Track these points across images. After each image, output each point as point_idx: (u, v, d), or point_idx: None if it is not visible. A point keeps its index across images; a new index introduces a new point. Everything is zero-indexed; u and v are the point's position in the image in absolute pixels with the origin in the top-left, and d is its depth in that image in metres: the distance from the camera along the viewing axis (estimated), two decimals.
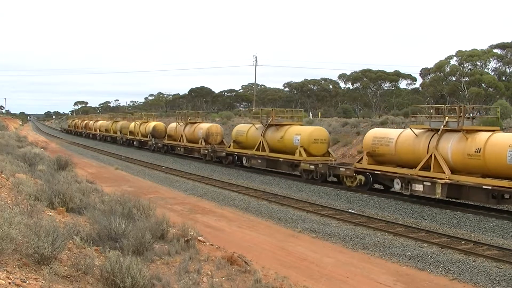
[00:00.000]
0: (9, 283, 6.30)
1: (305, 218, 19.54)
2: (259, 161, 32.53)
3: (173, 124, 48.91)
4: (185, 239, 11.34)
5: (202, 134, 41.12)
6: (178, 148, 45.58)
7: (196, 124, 43.87)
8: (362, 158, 24.82)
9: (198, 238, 12.44)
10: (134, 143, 57.27)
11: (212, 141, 40.48)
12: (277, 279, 10.50)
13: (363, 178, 24.13)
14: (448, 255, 14.57)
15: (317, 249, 15.40)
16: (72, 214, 12.29)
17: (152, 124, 54.07)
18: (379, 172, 23.61)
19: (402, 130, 24.31)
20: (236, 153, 35.48)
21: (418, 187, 21.15)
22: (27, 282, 6.62)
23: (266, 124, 32.68)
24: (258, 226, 18.52)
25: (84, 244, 9.25)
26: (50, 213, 11.51)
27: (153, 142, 50.74)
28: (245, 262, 10.67)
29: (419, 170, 21.28)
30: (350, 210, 21.14)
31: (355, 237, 16.66)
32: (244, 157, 34.30)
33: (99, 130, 76.01)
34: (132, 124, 60.08)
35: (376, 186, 24.87)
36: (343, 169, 25.65)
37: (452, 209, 20.13)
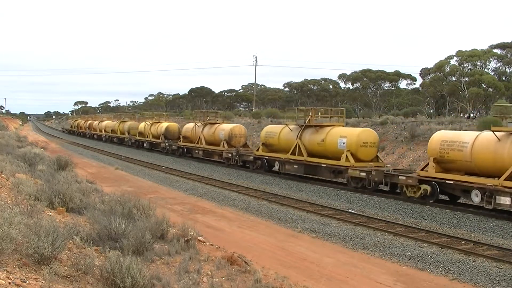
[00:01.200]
0: (9, 283, 6.30)
1: (305, 218, 19.55)
2: (295, 166, 29.01)
3: (190, 125, 45.39)
4: (185, 239, 11.34)
5: (224, 136, 37.72)
6: (196, 151, 41.93)
7: (217, 125, 40.36)
8: (427, 165, 21.96)
9: (198, 238, 12.44)
10: (145, 144, 53.82)
11: (236, 143, 37.25)
12: (277, 279, 10.50)
13: (428, 188, 21.06)
14: (448, 255, 14.57)
15: (317, 249, 15.40)
16: (72, 214, 12.29)
17: (164, 124, 50.83)
18: (450, 182, 20.48)
19: (478, 132, 21.06)
20: (266, 157, 32.12)
21: (505, 200, 18.19)
22: (27, 282, 6.62)
23: (303, 125, 29.26)
24: (258, 226, 18.53)
25: (84, 244, 9.25)
26: (50, 213, 11.51)
27: (166, 144, 47.23)
28: (245, 262, 10.67)
29: (505, 180, 18.35)
30: (350, 210, 21.14)
31: (355, 237, 16.67)
32: (276, 162, 30.86)
33: (105, 131, 72.40)
34: (142, 125, 56.60)
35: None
36: (404, 178, 22.26)
37: (452, 209, 20.13)
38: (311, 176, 28.57)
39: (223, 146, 37.43)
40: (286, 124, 31.58)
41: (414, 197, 21.70)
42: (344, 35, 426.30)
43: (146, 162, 41.03)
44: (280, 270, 12.26)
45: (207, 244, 12.45)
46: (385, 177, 23.23)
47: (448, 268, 13.44)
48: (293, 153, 29.44)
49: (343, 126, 29.06)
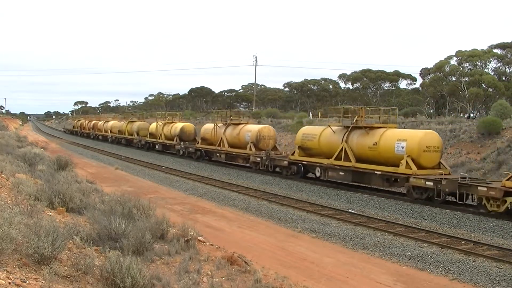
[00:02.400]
0: (9, 283, 6.30)
1: (305, 218, 19.54)
2: (341, 173, 25.63)
3: (209, 125, 41.63)
4: (185, 239, 11.35)
5: (251, 138, 34.12)
6: (217, 154, 38.11)
7: (242, 126, 36.62)
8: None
9: (198, 238, 12.44)
10: (156, 146, 50.31)
11: (264, 146, 33.65)
12: (277, 279, 10.50)
13: None
14: (448, 255, 14.57)
15: (317, 249, 15.40)
16: (72, 214, 12.29)
17: (179, 125, 47.19)
18: None
19: None
20: (303, 163, 28.62)
21: None
22: (27, 282, 6.62)
23: (350, 126, 25.95)
24: (258, 226, 18.52)
25: (84, 244, 9.25)
26: (50, 213, 11.51)
27: (182, 146, 43.79)
28: (245, 262, 10.67)
29: None
30: (350, 210, 21.13)
31: (355, 237, 16.66)
32: (317, 168, 27.52)
33: (111, 132, 68.45)
34: (153, 125, 52.72)
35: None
36: (484, 189, 19.06)
37: (452, 209, 20.12)
38: (359, 184, 25.42)
39: (250, 149, 33.74)
40: (329, 125, 28.14)
41: (497, 211, 18.59)
42: (344, 35, 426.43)
43: (146, 162, 41.01)
44: (280, 270, 12.26)
45: (207, 244, 12.45)
46: (460, 188, 20.01)
47: (448, 268, 13.44)
48: (337, 158, 26.05)
49: (396, 127, 25.99)
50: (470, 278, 12.76)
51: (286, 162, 29.68)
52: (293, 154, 29.79)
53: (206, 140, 40.70)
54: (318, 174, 27.61)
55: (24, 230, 8.21)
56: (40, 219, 9.36)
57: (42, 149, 34.20)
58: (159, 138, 49.78)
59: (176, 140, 45.85)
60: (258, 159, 32.00)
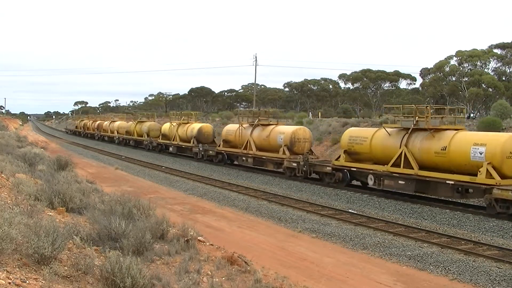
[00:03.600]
0: (9, 283, 6.30)
1: (305, 218, 19.55)
2: (401, 182, 22.31)
3: (232, 126, 38.38)
4: (185, 239, 11.34)
5: (284, 141, 30.71)
6: (243, 158, 34.38)
7: (272, 127, 33.11)
8: None
9: (198, 238, 12.44)
10: (170, 149, 46.64)
11: (299, 149, 30.39)
12: (277, 279, 10.50)
13: None
14: (448, 255, 14.58)
15: (317, 249, 15.40)
16: (72, 214, 12.29)
17: (196, 125, 43.90)
18: None
19: None
20: (352, 169, 25.30)
21: None
22: (27, 282, 6.62)
23: (410, 128, 22.57)
24: (258, 226, 18.53)
25: (84, 244, 9.24)
26: (50, 213, 11.51)
27: (201, 148, 40.25)
28: (245, 262, 10.67)
29: None
30: (350, 210, 21.13)
31: (355, 237, 16.67)
32: (370, 176, 23.98)
33: (118, 132, 64.89)
34: (166, 126, 49.36)
35: None
36: None
37: (452, 209, 20.13)
38: (422, 194, 22.28)
39: (283, 153, 30.40)
40: (383, 127, 24.87)
41: None
42: (344, 35, 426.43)
43: (146, 162, 41.01)
44: (280, 270, 12.26)
45: (207, 244, 12.44)
46: None
47: (448, 268, 13.44)
48: (395, 165, 22.67)
49: (464, 129, 22.89)
50: (470, 278, 12.77)
51: (329, 168, 26.30)
52: (337, 159, 26.39)
53: (229, 142, 37.13)
54: (370, 183, 23.97)
55: (24, 230, 8.21)
56: (40, 219, 9.36)
57: (42, 149, 34.19)
58: (173, 140, 46.29)
59: (193, 142, 42.37)
60: (294, 164, 28.48)
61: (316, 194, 25.00)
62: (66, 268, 7.80)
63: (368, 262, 14.19)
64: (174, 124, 47.52)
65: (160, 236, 11.25)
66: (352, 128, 29.23)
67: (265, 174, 31.60)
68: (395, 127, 24.04)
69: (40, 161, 23.15)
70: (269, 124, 33.82)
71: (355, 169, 25.17)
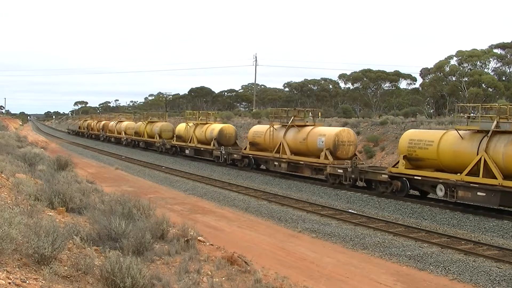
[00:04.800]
0: (9, 283, 6.30)
1: (305, 218, 19.54)
2: (481, 194, 19.17)
3: (260, 127, 34.83)
4: (185, 239, 11.34)
5: (326, 144, 27.19)
6: (275, 163, 30.86)
7: (309, 128, 29.41)
8: None
9: (198, 238, 12.44)
10: (187, 151, 42.84)
11: (343, 153, 27.04)
12: (277, 279, 10.50)
13: None
14: (448, 255, 14.58)
15: (317, 249, 15.40)
16: (72, 214, 12.30)
17: (216, 126, 40.45)
18: None
19: None
20: (416, 177, 21.88)
21: None
22: (27, 282, 6.62)
23: (490, 130, 19.45)
24: (258, 226, 18.52)
25: (84, 244, 9.25)
26: (50, 213, 11.51)
27: (223, 152, 36.40)
28: (245, 262, 10.67)
29: None
30: (350, 210, 21.13)
31: (355, 237, 16.67)
32: (440, 186, 20.67)
33: (125, 133, 61.38)
34: (181, 126, 46.04)
35: None
36: None
37: (452, 209, 20.13)
38: (507, 209, 19.44)
39: (325, 157, 26.99)
40: (455, 128, 21.67)
41: None
42: (344, 35, 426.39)
43: (146, 162, 41.00)
44: (280, 270, 12.26)
45: (207, 244, 12.44)
46: None
47: (448, 268, 13.44)
48: (471, 173, 19.62)
49: None
50: (470, 278, 12.77)
51: (384, 176, 23.00)
52: (394, 165, 23.22)
53: (257, 145, 33.44)
54: (440, 194, 20.80)
55: (24, 230, 8.21)
56: (40, 219, 9.36)
57: (42, 149, 34.19)
58: (190, 142, 42.50)
59: (213, 145, 38.73)
60: (340, 171, 25.18)
61: (316, 194, 24.99)
62: (66, 268, 7.80)
63: (368, 262, 14.18)
64: (191, 124, 43.78)
65: (160, 236, 11.25)
66: (412, 130, 24.83)
67: (302, 180, 28.52)
68: (469, 129, 20.76)
69: (40, 161, 23.15)
70: (305, 125, 30.16)
71: (419, 177, 21.72)
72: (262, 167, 33.83)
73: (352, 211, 20.94)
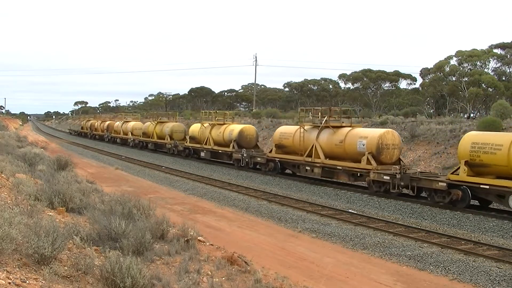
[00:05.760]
0: (9, 283, 6.30)
1: (305, 218, 19.54)
2: None
3: (288, 128, 31.95)
4: (185, 239, 11.35)
5: (368, 147, 24.53)
6: (307, 168, 27.96)
7: (346, 130, 26.55)
8: None
9: (198, 238, 12.45)
10: (202, 154, 40.21)
11: (387, 158, 24.45)
12: (277, 279, 10.50)
13: None
14: (448, 255, 14.57)
15: (317, 249, 15.40)
16: (72, 214, 12.30)
17: (236, 127, 37.56)
18: None
19: None
20: (480, 186, 19.45)
21: None
22: (27, 282, 6.62)
23: None
24: (258, 226, 18.52)
25: (84, 244, 9.25)
26: (50, 213, 11.51)
27: (244, 155, 33.51)
28: (245, 262, 10.67)
29: None
30: (350, 210, 21.13)
31: (355, 237, 16.67)
32: None
33: (132, 134, 58.91)
34: (195, 127, 43.33)
35: None
36: None
37: (452, 209, 20.12)
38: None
39: (368, 162, 24.22)
40: None
41: None
42: (344, 35, 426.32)
43: (146, 162, 40.99)
44: (280, 270, 12.25)
45: (207, 244, 12.45)
46: None
47: (448, 268, 13.44)
48: None
49: None
50: (470, 278, 12.76)
51: (442, 185, 20.32)
52: (453, 172, 20.77)
53: (284, 147, 30.74)
54: None
55: (24, 230, 8.21)
56: (40, 219, 9.36)
57: (42, 149, 34.21)
58: (206, 144, 39.84)
59: (233, 147, 36.11)
60: (386, 177, 22.64)
61: (316, 194, 24.99)
62: (66, 268, 7.80)
63: (368, 262, 14.18)
64: (206, 125, 40.98)
65: (160, 236, 11.26)
66: (475, 132, 22.54)
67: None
68: None
69: (40, 161, 23.17)
70: (341, 126, 27.43)
71: (486, 186, 19.16)
72: (287, 171, 31.28)
73: (352, 211, 20.94)
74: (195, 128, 43.40)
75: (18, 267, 7.21)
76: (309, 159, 27.78)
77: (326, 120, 27.95)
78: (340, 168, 26.03)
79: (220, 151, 37.96)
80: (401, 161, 24.86)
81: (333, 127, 27.44)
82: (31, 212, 10.38)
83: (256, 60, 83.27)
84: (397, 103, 73.81)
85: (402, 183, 21.94)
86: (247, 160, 33.27)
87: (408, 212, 20.44)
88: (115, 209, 12.03)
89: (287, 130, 31.36)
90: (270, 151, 31.96)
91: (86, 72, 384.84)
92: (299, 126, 29.60)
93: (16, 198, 12.15)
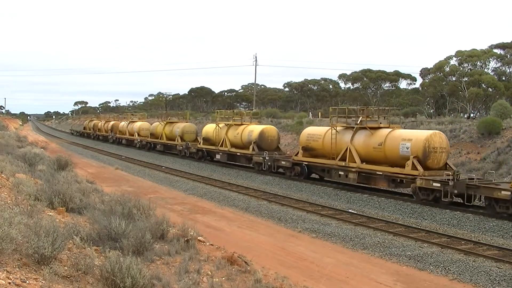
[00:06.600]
0: (9, 283, 6.30)
1: (305, 218, 19.54)
2: None
3: (316, 130, 29.41)
4: (185, 239, 11.35)
5: (414, 151, 22.21)
6: (341, 173, 25.57)
7: (386, 131, 24.17)
8: None
9: (198, 238, 12.44)
10: (218, 156, 37.58)
11: (433, 163, 22.12)
12: (277, 279, 10.50)
13: None
14: (448, 255, 14.58)
15: (317, 249, 15.40)
16: (72, 214, 12.30)
17: (256, 128, 34.92)
18: None
19: None
20: None
21: None
22: (27, 282, 6.62)
23: None
24: (258, 226, 18.52)
25: (84, 244, 9.25)
26: (50, 213, 11.51)
27: (266, 158, 31.02)
28: (245, 262, 10.67)
29: None
30: (350, 210, 21.13)
31: (355, 237, 16.67)
32: None
33: (139, 135, 56.65)
34: (209, 127, 40.50)
35: None
36: None
37: (452, 209, 20.11)
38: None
39: (413, 167, 22.03)
40: None
41: None
42: (344, 35, 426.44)
43: (146, 162, 40.99)
44: (280, 270, 12.25)
45: (207, 244, 12.45)
46: None
47: (448, 268, 13.44)
48: None
49: None
50: (470, 278, 12.77)
51: (506, 193, 18.00)
52: None
53: (312, 150, 28.36)
54: None
55: (24, 230, 8.22)
56: (40, 219, 9.36)
57: (42, 149, 34.21)
58: (221, 146, 37.20)
59: (253, 149, 33.46)
60: (436, 184, 20.42)
61: (316, 194, 24.98)
62: (66, 268, 7.80)
63: (368, 262, 14.18)
64: (222, 125, 38.42)
65: (160, 236, 11.25)
66: None
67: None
68: None
69: (40, 161, 23.16)
70: (379, 127, 24.93)
71: None
72: (314, 176, 29.08)
73: (352, 211, 20.94)
74: (209, 128, 40.55)
75: (18, 267, 7.21)
76: (343, 163, 25.44)
77: (361, 120, 25.55)
78: (380, 173, 23.57)
79: (238, 154, 35.35)
80: (448, 166, 22.62)
81: (371, 128, 24.91)
82: (31, 212, 10.38)
83: (256, 60, 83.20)
84: (397, 103, 73.82)
85: (455, 191, 19.80)
86: (269, 163, 30.80)
87: (408, 212, 20.44)
88: (115, 209, 12.03)
89: (315, 131, 28.91)
90: (296, 154, 29.58)
91: (86, 72, 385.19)
92: (329, 127, 27.36)
93: (16, 198, 12.14)
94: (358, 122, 25.55)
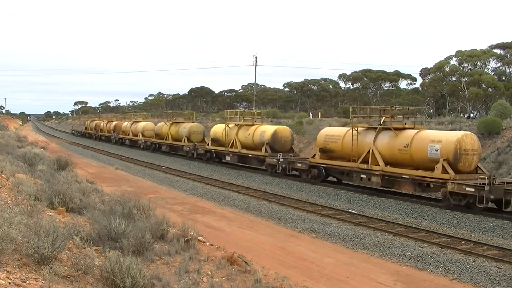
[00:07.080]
0: (9, 283, 6.30)
1: (305, 218, 19.55)
2: None
3: (335, 130, 28.09)
4: (185, 239, 11.35)
5: (444, 153, 21.01)
6: (363, 176, 24.40)
7: (412, 132, 22.93)
8: None
9: (198, 238, 12.44)
10: (227, 157, 36.36)
11: (465, 166, 20.97)
12: (277, 279, 10.50)
13: None
14: (448, 255, 14.58)
15: (317, 249, 15.40)
16: (72, 214, 12.30)
17: (268, 129, 33.63)
18: None
19: None
20: None
21: None
22: (27, 282, 6.62)
23: None
24: (258, 226, 18.53)
25: (84, 244, 9.25)
26: (50, 213, 11.52)
27: (281, 160, 29.80)
28: (245, 262, 10.67)
29: None
30: (350, 210, 21.13)
31: (355, 237, 16.67)
32: None
33: (143, 135, 55.45)
34: (218, 128, 39.10)
35: None
36: None
37: (452, 209, 20.12)
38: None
39: (444, 171, 20.77)
40: None
41: None
42: (344, 35, 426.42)
43: (146, 162, 40.99)
44: (280, 270, 12.25)
45: (207, 244, 12.45)
46: None
47: (448, 268, 13.44)
48: None
49: None
50: (470, 278, 12.77)
51: None
52: None
53: (331, 152, 26.94)
54: None
55: (24, 230, 8.22)
56: (40, 219, 9.36)
57: (42, 149, 34.21)
58: (231, 147, 35.89)
59: (265, 151, 32.10)
60: (470, 189, 19.10)
61: (316, 194, 24.99)
62: (66, 268, 7.80)
63: (368, 262, 14.19)
64: (232, 125, 37.00)
65: (160, 236, 11.26)
66: None
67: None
68: None
69: (40, 161, 23.16)
70: (404, 128, 23.64)
71: None
72: (330, 178, 27.82)
73: (352, 211, 20.94)
74: (218, 129, 38.98)
75: (18, 267, 7.21)
76: (365, 166, 24.09)
77: (385, 120, 24.29)
78: (407, 177, 22.17)
79: (249, 155, 33.94)
80: (479, 169, 21.41)
81: (396, 129, 23.63)
82: (31, 212, 10.38)
83: (256, 60, 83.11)
84: (397, 103, 73.86)
85: (491, 196, 18.52)
86: (283, 165, 29.60)
87: (408, 212, 20.44)
88: (115, 209, 12.03)
89: (334, 132, 27.42)
90: (313, 156, 28.05)
91: (86, 72, 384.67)
92: (348, 128, 26.14)
93: (16, 198, 12.15)
94: (381, 123, 24.32)
